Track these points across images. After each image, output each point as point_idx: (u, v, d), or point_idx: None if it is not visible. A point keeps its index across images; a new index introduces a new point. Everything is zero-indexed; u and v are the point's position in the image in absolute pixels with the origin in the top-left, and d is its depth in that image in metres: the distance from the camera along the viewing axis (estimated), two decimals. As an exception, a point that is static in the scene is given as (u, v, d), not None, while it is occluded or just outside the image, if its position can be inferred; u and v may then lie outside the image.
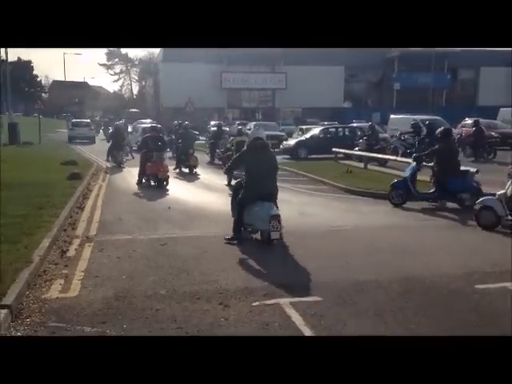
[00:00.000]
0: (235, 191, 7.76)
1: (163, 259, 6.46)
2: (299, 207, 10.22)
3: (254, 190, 7.20)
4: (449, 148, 10.15)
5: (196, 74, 45.27)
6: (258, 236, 7.33)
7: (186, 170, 16.38)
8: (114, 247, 7.06)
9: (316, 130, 23.80)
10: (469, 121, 28.28)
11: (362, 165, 16.91)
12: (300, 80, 47.96)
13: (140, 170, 13.53)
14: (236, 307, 4.84)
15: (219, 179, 14.02)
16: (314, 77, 48.37)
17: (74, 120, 40.10)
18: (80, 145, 30.50)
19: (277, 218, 6.84)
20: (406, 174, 10.44)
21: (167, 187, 12.92)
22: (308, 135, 23.15)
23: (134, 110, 57.58)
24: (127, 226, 8.51)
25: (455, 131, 20.48)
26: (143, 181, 13.43)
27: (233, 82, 49.67)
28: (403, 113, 30.30)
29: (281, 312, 4.72)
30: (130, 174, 15.38)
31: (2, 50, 28.37)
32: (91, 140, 33.44)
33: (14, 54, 75.97)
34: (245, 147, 7.78)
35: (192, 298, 5.07)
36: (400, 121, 27.58)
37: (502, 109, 30.98)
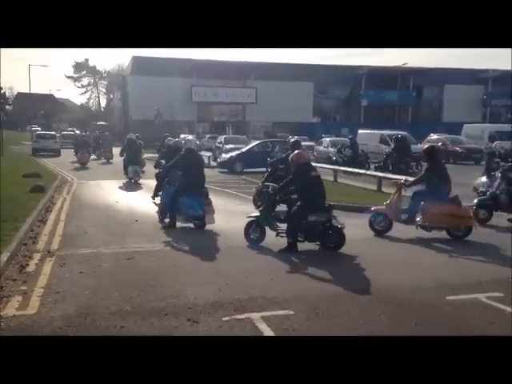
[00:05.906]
0: (124, 160, 17.65)
1: (129, 273, 6.21)
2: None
3: (128, 160, 17.21)
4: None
5: (165, 86, 44.96)
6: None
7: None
8: (76, 262, 6.75)
9: (252, 145, 23.71)
10: (434, 136, 29.15)
11: (331, 178, 16.93)
12: (270, 95, 48.32)
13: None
14: (205, 323, 4.64)
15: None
16: (283, 92, 48.86)
17: (38, 132, 39.04)
18: (45, 157, 29.69)
19: (137, 173, 16.77)
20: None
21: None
22: (244, 149, 23.09)
23: (101, 122, 56.60)
24: (92, 239, 8.19)
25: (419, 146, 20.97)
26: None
27: (203, 96, 49.65)
28: (370, 128, 30.99)
29: (252, 327, 4.56)
30: (95, 187, 15.07)
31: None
32: (56, 152, 32.46)
33: (-23, 64, 73.66)
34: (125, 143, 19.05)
35: (159, 313, 4.85)
36: (368, 136, 28.15)
37: (465, 125, 32.17)
